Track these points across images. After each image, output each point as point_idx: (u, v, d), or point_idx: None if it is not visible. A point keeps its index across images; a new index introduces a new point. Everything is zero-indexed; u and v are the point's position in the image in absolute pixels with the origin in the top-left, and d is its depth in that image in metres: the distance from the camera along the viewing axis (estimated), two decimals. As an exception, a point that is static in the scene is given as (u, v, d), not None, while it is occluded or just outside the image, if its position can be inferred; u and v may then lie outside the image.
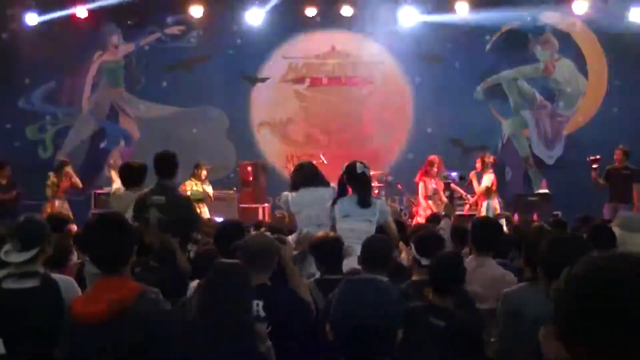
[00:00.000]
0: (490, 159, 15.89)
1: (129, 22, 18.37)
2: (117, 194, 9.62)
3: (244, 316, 4.41)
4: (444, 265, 5.33)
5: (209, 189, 15.39)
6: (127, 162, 9.99)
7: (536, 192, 17.06)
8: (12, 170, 15.87)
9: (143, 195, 8.30)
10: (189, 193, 14.25)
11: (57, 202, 15.45)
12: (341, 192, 8.04)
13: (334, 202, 7.95)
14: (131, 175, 9.41)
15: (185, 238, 7.82)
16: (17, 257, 5.07)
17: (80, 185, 15.81)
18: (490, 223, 7.17)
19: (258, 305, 5.06)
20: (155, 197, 8.14)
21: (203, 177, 15.32)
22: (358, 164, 8.05)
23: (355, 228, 7.51)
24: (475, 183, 15.55)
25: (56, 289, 5.07)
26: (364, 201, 7.90)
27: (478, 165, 15.66)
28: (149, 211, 8.03)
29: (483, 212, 14.95)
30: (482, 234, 6.68)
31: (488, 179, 15.51)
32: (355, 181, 8.00)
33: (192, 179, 15.23)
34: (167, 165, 8.47)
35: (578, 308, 1.90)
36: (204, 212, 14.75)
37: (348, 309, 3.02)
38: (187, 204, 8.73)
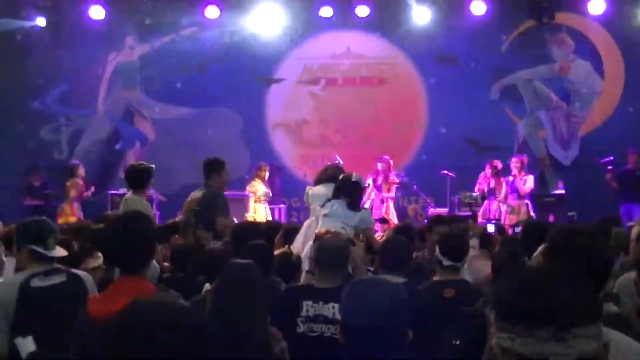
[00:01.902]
0: (526, 160, 16.08)
1: (144, 23, 18.33)
2: (127, 198, 9.76)
3: (258, 316, 4.38)
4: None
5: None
6: (132, 165, 10.18)
7: (552, 193, 17.03)
8: (25, 171, 16.23)
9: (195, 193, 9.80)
10: (250, 192, 15.75)
11: (75, 204, 15.62)
12: (335, 196, 8.87)
13: (323, 204, 8.85)
14: (137, 177, 9.57)
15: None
16: (61, 252, 5.19)
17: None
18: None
19: (334, 308, 5.05)
20: (196, 193, 9.64)
21: (265, 178, 15.73)
22: (354, 174, 9.20)
23: (330, 227, 8.04)
24: (519, 184, 15.62)
25: (82, 282, 5.14)
26: (353, 204, 8.80)
27: (516, 166, 15.74)
28: (190, 204, 9.45)
29: (532, 213, 15.49)
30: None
31: (532, 180, 15.90)
32: (347, 187, 8.84)
33: (257, 179, 15.89)
34: (209, 167, 9.86)
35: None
36: (267, 210, 15.82)
37: (356, 310, 3.00)
38: (216, 199, 9.64)
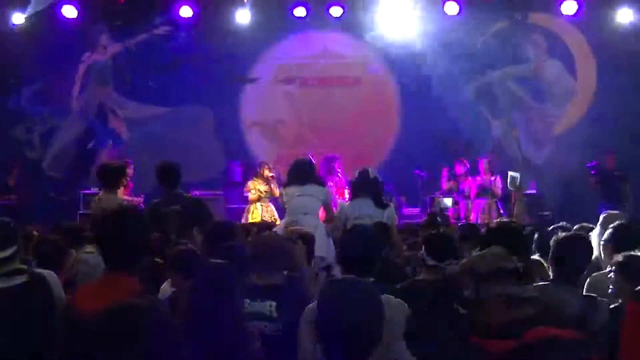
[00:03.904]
0: (492, 161, 16.31)
1: (117, 22, 18.25)
2: (100, 197, 9.66)
3: (233, 316, 4.38)
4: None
5: (275, 187, 15.37)
6: (104, 163, 10.02)
7: (525, 192, 17.13)
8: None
9: (155, 206, 8.83)
10: (252, 193, 15.28)
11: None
12: (355, 194, 9.28)
13: (345, 204, 9.41)
14: (109, 176, 9.47)
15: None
16: (2, 254, 5.08)
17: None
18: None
19: (271, 306, 5.06)
20: (173, 207, 8.59)
21: (267, 177, 15.40)
22: (370, 170, 9.49)
23: None
24: (493, 185, 15.78)
25: (45, 283, 5.09)
26: (379, 201, 9.13)
27: (485, 167, 15.89)
28: (168, 220, 8.43)
29: (502, 212, 15.81)
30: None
31: (500, 180, 16.02)
32: (368, 185, 9.18)
33: (256, 178, 15.56)
34: (172, 175, 9.13)
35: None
36: (271, 211, 15.32)
37: (331, 309, 2.99)
38: (199, 203, 9.22)
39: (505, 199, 16.10)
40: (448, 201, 16.30)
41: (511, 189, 15.87)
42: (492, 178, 15.84)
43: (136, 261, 4.29)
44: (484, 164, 16.13)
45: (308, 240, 6.54)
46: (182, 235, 7.91)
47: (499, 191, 15.81)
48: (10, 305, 4.96)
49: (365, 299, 3.02)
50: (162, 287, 6.29)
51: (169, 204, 8.71)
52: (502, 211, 15.72)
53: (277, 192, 15.17)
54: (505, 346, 3.30)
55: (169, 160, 9.41)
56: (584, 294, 5.49)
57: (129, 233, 4.25)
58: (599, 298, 5.60)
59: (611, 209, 14.76)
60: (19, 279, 5.05)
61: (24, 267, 5.22)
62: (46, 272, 5.32)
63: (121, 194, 14.83)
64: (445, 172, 16.66)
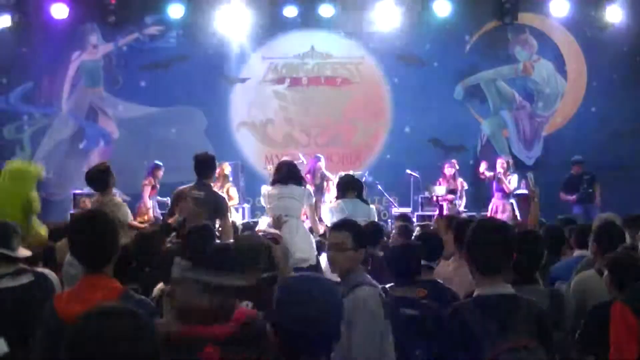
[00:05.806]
0: (511, 162, 16.67)
1: (108, 22, 18.20)
2: (103, 203, 9.68)
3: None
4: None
5: (232, 190, 15.47)
6: (94, 166, 10.03)
7: (514, 192, 17.19)
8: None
9: (182, 189, 9.58)
10: None
11: (151, 202, 15.46)
12: (342, 194, 9.56)
13: (335, 205, 9.53)
14: (100, 179, 9.48)
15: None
16: (24, 252, 5.19)
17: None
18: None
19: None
20: (195, 192, 9.28)
21: (224, 177, 15.46)
22: (351, 172, 10.52)
23: None
24: (504, 184, 15.80)
25: (48, 281, 5.15)
26: (365, 200, 9.76)
27: (503, 166, 15.98)
28: (186, 202, 9.18)
29: (517, 212, 15.88)
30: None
31: (516, 180, 16.19)
32: (351, 184, 9.61)
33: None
34: (207, 166, 9.69)
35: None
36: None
37: (290, 307, 3.00)
38: (222, 200, 9.83)
39: (518, 198, 16.15)
40: (441, 189, 16.30)
41: (532, 189, 15.88)
42: (508, 178, 15.90)
43: (109, 262, 4.31)
44: (498, 163, 16.17)
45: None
46: (192, 219, 8.42)
47: (510, 189, 15.88)
48: (17, 304, 5.00)
49: (324, 296, 3.03)
50: None
51: (195, 189, 9.40)
52: (517, 212, 15.72)
53: (235, 198, 15.56)
54: (222, 330, 3.52)
55: (206, 153, 9.91)
56: (549, 288, 5.47)
57: (104, 235, 4.27)
58: (563, 291, 5.69)
59: (584, 210, 15.26)
60: (26, 278, 5.10)
61: (27, 267, 5.27)
62: (47, 271, 5.37)
63: (147, 196, 15.04)
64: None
